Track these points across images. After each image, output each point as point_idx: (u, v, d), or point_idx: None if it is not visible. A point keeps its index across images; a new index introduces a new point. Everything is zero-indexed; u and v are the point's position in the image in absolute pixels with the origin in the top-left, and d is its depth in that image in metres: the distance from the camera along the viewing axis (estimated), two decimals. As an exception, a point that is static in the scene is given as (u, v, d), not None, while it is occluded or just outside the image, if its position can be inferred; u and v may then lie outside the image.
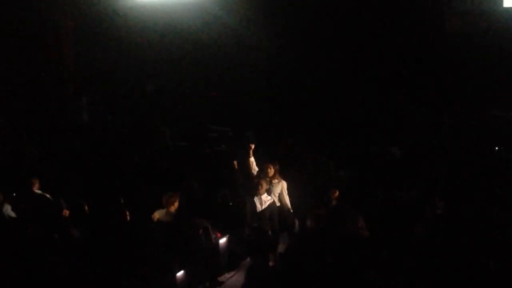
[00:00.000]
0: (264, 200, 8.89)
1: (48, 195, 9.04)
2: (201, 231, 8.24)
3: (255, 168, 9.69)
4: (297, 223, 9.49)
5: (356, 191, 9.67)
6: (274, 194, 9.24)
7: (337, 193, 8.99)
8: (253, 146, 9.76)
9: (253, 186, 9.00)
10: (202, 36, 15.09)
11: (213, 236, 8.50)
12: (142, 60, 15.51)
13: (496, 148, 11.91)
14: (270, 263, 8.68)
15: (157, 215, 8.37)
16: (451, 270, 6.72)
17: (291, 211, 9.37)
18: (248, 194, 8.99)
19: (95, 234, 7.80)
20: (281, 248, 8.79)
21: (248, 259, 8.94)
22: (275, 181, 9.32)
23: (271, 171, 9.34)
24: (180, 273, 7.48)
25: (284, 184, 9.36)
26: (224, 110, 14.40)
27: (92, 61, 15.00)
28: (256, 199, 8.87)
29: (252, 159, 9.73)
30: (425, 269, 6.85)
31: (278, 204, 9.22)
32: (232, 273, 8.76)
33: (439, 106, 13.39)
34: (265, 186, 8.93)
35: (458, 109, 13.23)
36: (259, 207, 8.87)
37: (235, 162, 10.04)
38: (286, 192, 9.37)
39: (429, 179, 9.82)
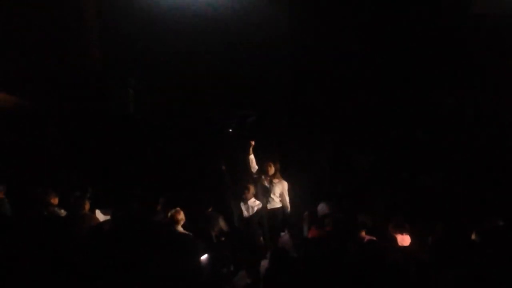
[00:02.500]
0: (251, 206, 8.45)
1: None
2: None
3: (254, 166, 9.08)
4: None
5: (380, 176, 9.65)
6: (275, 194, 8.81)
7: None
8: (253, 143, 9.10)
9: (239, 191, 8.53)
10: (230, 26, 15.08)
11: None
12: (176, 48, 15.60)
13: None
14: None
15: None
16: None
17: (288, 212, 8.92)
18: (235, 199, 8.56)
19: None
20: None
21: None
22: (276, 180, 8.85)
23: (271, 170, 8.85)
24: (204, 257, 7.31)
25: (285, 184, 8.89)
26: (248, 97, 14.44)
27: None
28: (242, 205, 8.48)
29: (251, 156, 9.10)
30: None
31: (279, 205, 8.84)
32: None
33: (464, 90, 13.25)
34: (252, 190, 8.45)
35: (483, 93, 13.08)
36: (245, 213, 8.46)
37: (224, 167, 9.50)
38: (287, 192, 8.90)
39: (454, 163, 9.76)
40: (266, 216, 8.70)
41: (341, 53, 14.11)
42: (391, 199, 8.62)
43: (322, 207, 8.45)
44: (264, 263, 7.14)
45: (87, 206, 8.08)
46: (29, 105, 12.58)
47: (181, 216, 7.41)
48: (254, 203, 8.49)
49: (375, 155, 10.48)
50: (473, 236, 6.80)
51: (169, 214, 7.46)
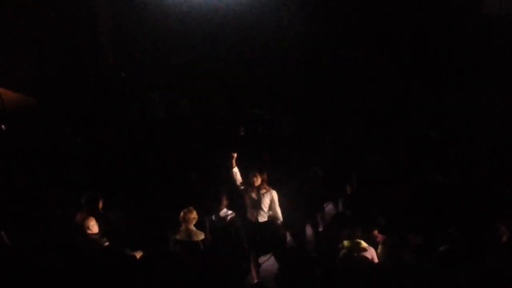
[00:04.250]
0: (223, 216, 7.80)
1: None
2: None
3: (239, 179, 8.61)
4: (288, 236, 8.82)
5: (392, 175, 9.62)
6: (264, 206, 8.28)
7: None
8: (235, 155, 8.60)
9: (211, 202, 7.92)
10: (242, 22, 15.15)
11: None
12: (185, 43, 15.68)
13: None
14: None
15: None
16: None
17: (281, 223, 8.38)
18: (205, 211, 7.87)
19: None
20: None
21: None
22: (263, 191, 8.29)
23: (257, 180, 8.28)
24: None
25: (274, 194, 8.32)
26: (261, 95, 14.49)
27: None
28: (214, 216, 7.84)
29: (235, 169, 8.62)
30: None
31: (265, 218, 8.31)
32: (267, 256, 8.62)
33: (476, 89, 13.22)
34: (224, 201, 7.82)
35: (496, 92, 13.05)
36: (218, 225, 7.79)
37: (194, 174, 8.99)
38: (277, 203, 8.34)
39: (468, 163, 9.73)
40: (256, 230, 8.19)
41: (353, 50, 14.15)
42: (404, 197, 8.58)
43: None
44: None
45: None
46: (42, 105, 12.67)
47: (194, 215, 7.35)
48: (226, 213, 7.82)
49: (386, 154, 10.40)
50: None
51: (182, 213, 7.34)
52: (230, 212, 7.84)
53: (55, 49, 14.46)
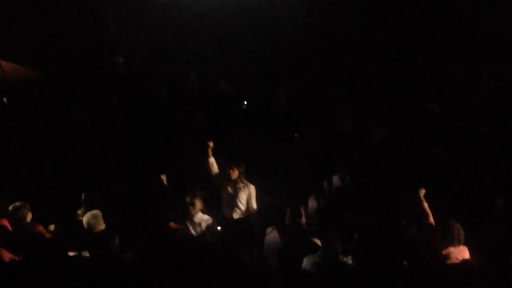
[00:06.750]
0: (198, 222, 7.21)
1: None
2: None
3: (215, 171, 8.15)
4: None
5: (394, 149, 9.60)
6: (241, 202, 7.80)
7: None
8: (211, 144, 8.11)
9: (183, 206, 7.30)
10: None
11: None
12: (184, 21, 15.65)
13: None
14: None
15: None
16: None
17: (259, 219, 7.74)
18: (178, 216, 7.27)
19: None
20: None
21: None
22: (241, 185, 7.85)
23: (234, 174, 7.84)
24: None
25: (252, 188, 7.87)
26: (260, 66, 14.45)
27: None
28: (188, 223, 7.20)
29: (211, 159, 8.13)
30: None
31: (240, 215, 7.78)
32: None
33: (480, 61, 13.15)
34: (198, 205, 7.23)
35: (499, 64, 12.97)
36: (193, 233, 7.16)
37: (164, 177, 8.13)
38: (254, 198, 7.87)
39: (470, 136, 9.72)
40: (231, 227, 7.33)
41: (356, 20, 14.04)
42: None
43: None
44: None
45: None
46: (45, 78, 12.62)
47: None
48: (203, 218, 7.23)
49: (389, 128, 10.37)
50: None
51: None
52: (206, 217, 7.28)
53: (58, 21, 14.39)
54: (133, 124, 11.12)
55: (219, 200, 8.04)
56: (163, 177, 8.06)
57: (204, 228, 7.18)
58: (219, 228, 7.27)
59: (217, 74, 13.85)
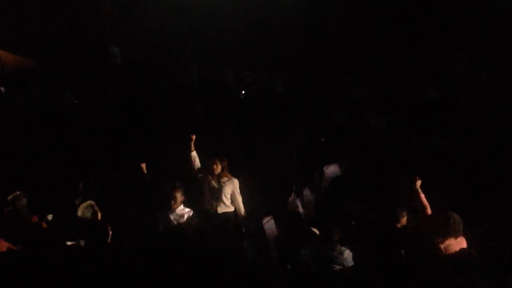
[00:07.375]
0: (180, 215, 7.25)
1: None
2: None
3: (197, 165, 8.04)
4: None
5: (392, 138, 9.59)
6: (225, 196, 7.71)
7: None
8: (194, 137, 7.95)
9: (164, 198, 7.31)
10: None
11: None
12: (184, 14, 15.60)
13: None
14: None
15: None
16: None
17: (244, 214, 7.80)
18: (158, 210, 7.32)
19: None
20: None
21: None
22: (224, 179, 7.71)
23: (218, 168, 7.71)
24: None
25: (236, 182, 7.75)
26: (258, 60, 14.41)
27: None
28: (170, 216, 7.24)
29: (194, 153, 8.01)
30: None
31: (231, 208, 7.75)
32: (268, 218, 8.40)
33: (477, 51, 13.13)
34: (179, 198, 7.27)
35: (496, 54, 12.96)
36: (174, 224, 7.16)
37: (143, 165, 8.01)
38: (239, 191, 7.78)
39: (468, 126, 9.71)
40: (217, 222, 7.51)
41: (353, 16, 14.02)
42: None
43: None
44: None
45: None
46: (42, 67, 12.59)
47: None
48: (183, 211, 7.27)
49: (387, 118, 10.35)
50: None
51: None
52: (187, 209, 7.31)
53: (56, 11, 14.34)
54: (130, 115, 11.07)
55: (200, 193, 7.92)
56: (143, 167, 7.94)
57: (185, 219, 7.19)
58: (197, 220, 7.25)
59: (222, 66, 13.79)
